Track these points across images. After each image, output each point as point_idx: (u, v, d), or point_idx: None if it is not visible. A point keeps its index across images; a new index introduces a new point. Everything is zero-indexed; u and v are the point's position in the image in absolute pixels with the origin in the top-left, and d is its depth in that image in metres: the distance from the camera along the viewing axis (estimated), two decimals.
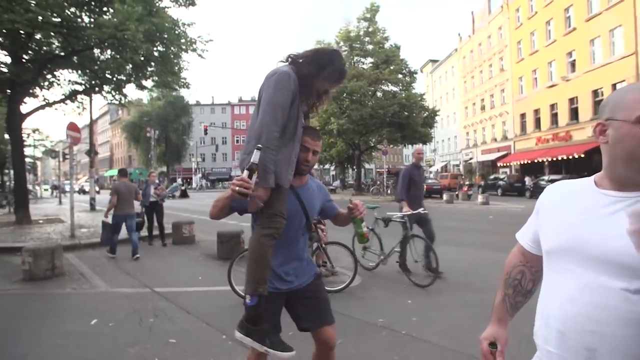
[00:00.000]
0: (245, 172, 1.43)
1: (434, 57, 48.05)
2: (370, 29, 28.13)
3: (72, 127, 8.15)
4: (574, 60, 23.67)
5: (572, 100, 23.94)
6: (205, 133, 32.25)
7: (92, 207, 15.07)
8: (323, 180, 36.40)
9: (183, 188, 28.17)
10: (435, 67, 47.42)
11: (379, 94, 27.29)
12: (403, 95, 24.78)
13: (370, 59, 27.93)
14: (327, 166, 40.37)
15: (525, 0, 28.58)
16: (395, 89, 25.47)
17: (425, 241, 4.79)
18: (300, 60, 1.62)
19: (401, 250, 4.94)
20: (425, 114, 26.08)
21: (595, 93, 22.08)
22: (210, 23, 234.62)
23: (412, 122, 24.34)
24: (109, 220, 6.68)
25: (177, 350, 3.01)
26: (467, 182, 26.28)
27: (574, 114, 23.81)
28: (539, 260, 0.99)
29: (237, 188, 1.39)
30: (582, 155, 21.53)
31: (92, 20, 10.15)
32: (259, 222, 1.62)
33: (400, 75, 25.71)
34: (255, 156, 1.43)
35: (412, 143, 27.18)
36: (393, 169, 59.60)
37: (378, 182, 26.47)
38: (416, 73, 27.18)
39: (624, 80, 19.93)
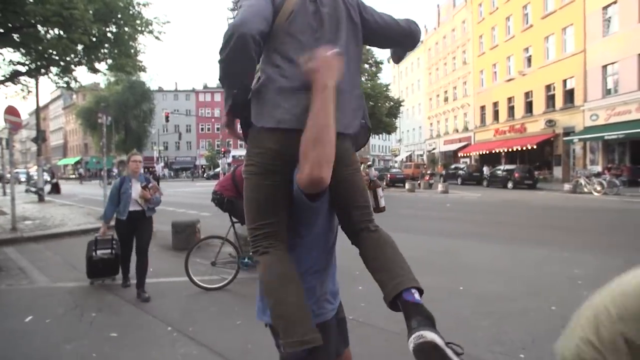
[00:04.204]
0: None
1: None
2: None
3: (11, 111, 7.54)
4: (530, 56, 24.88)
5: (527, 94, 25.23)
6: (167, 120, 31.01)
7: (40, 198, 14.13)
8: None
9: (54, 181, 20.72)
10: None
11: None
12: (368, 85, 25.02)
13: None
14: None
15: None
16: (361, 78, 25.75)
17: None
18: None
19: None
20: (390, 104, 26.51)
21: (547, 88, 23.38)
22: (175, 6, 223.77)
23: (377, 111, 24.69)
24: None
25: (118, 344, 2.90)
26: (429, 172, 27.12)
27: (529, 107, 25.14)
28: None
29: None
30: (535, 147, 22.84)
31: None
32: None
33: (366, 65, 25.91)
34: (372, 171, 1.40)
35: (377, 133, 27.61)
36: (361, 158, 60.40)
37: None
38: (382, 63, 27.47)
39: (572, 77, 21.23)
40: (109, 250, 4.37)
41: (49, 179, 22.35)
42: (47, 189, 19.86)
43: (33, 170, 37.15)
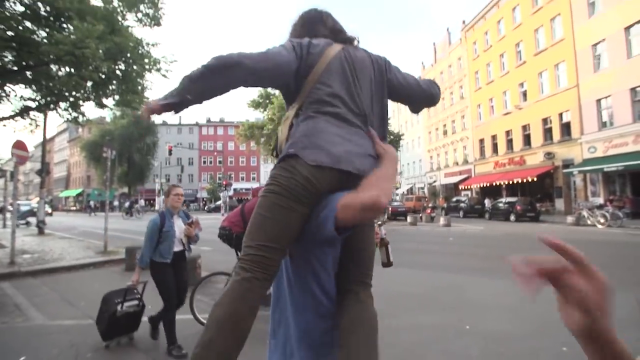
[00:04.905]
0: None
1: None
2: None
3: (19, 145, 7.69)
4: (525, 91, 25.56)
5: (524, 127, 25.67)
6: (170, 154, 31.47)
7: (41, 231, 14.05)
8: None
9: (49, 212, 20.12)
10: None
11: None
12: None
13: None
14: None
15: (481, 34, 30.81)
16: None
17: None
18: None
19: None
20: (390, 138, 26.95)
21: (544, 121, 23.83)
22: (180, 42, 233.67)
23: None
24: None
25: None
26: (430, 205, 27.06)
27: (527, 140, 25.49)
28: None
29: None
30: (535, 179, 22.93)
31: (49, 35, 9.79)
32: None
33: None
34: (382, 230, 1.62)
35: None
36: None
37: None
38: None
39: (568, 110, 21.71)
40: (136, 302, 3.67)
41: (35, 210, 21.90)
42: (32, 221, 19.29)
43: (34, 202, 37.07)
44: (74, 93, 10.95)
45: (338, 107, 1.19)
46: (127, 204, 33.91)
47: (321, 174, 1.09)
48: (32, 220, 19.30)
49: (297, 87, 1.22)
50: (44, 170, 14.96)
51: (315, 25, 1.37)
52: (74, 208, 56.92)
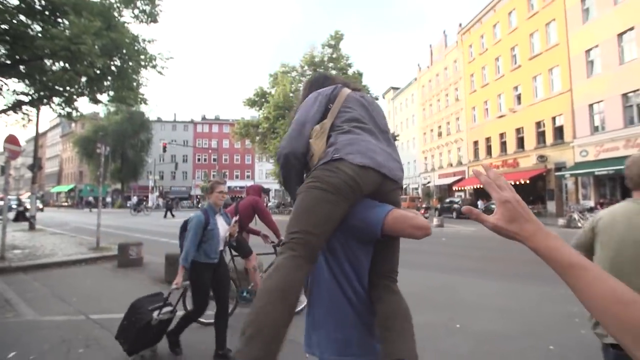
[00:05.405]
0: None
1: (395, 85, 50.30)
2: (334, 55, 29.15)
3: (11, 140, 7.62)
4: (520, 94, 25.80)
5: (518, 130, 25.91)
6: (164, 150, 31.31)
7: (32, 226, 13.91)
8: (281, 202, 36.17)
9: (21, 209, 19.28)
10: (396, 94, 49.61)
11: None
12: None
13: None
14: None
15: (477, 38, 31.01)
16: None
17: None
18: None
19: None
20: None
21: (538, 124, 24.08)
22: (178, 40, 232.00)
23: None
24: None
25: None
26: (424, 205, 27.22)
27: (521, 142, 25.73)
28: None
29: None
30: (528, 181, 23.17)
31: (44, 30, 9.69)
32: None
33: None
34: None
35: None
36: None
37: None
38: (377, 99, 28.28)
39: (561, 114, 21.96)
40: (171, 308, 3.27)
41: (15, 206, 21.43)
42: (11, 216, 18.65)
43: (25, 196, 36.58)
44: (68, 88, 10.84)
45: (367, 124, 1.35)
46: (135, 201, 34.29)
47: (365, 174, 1.20)
48: (10, 215, 18.91)
49: (324, 114, 1.39)
50: (36, 166, 14.81)
51: (323, 83, 1.55)
52: (66, 204, 56.34)
